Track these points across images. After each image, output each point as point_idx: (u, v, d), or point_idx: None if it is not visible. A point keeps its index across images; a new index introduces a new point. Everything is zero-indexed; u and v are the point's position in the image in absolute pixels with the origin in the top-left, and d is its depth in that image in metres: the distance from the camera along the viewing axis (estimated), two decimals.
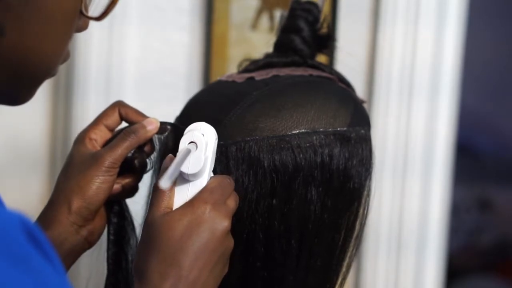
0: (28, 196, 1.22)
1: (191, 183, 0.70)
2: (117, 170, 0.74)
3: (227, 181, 0.71)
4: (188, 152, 0.69)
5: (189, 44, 1.26)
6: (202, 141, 0.71)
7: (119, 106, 0.77)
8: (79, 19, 0.60)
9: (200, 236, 0.66)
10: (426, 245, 1.35)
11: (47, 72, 0.59)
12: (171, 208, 0.69)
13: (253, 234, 0.73)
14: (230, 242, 0.69)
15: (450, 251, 1.51)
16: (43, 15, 0.55)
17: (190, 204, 0.68)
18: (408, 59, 1.31)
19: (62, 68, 1.19)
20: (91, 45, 1.18)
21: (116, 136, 0.76)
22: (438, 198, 1.34)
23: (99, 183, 0.73)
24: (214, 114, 0.76)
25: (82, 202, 0.73)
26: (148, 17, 1.23)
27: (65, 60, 0.61)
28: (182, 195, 0.69)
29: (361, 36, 1.32)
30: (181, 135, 0.74)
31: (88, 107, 1.19)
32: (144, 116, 0.77)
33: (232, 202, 0.70)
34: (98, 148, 0.76)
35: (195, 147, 0.70)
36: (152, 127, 0.76)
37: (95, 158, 0.73)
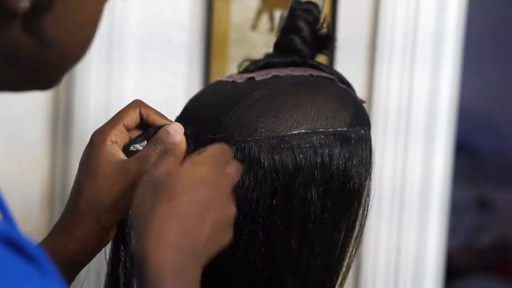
0: (28, 196, 1.22)
1: None
2: None
3: (225, 148, 0.70)
4: None
5: (189, 44, 1.26)
6: None
7: (140, 106, 0.75)
8: None
9: (202, 190, 0.65)
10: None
11: (80, 60, 0.58)
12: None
13: (253, 234, 0.73)
14: (232, 209, 0.68)
15: (449, 251, 1.52)
16: (81, 12, 0.55)
17: (191, 160, 0.68)
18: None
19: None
20: (91, 51, 1.18)
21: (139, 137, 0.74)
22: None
23: (131, 198, 0.70)
24: (214, 115, 0.76)
25: (113, 217, 0.72)
26: (149, 17, 1.23)
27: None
28: None
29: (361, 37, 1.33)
30: (200, 140, 0.74)
31: (88, 110, 1.19)
32: (165, 118, 0.75)
33: (232, 169, 0.69)
34: (120, 152, 0.73)
35: None
36: (179, 137, 0.73)
37: (126, 173, 0.71)
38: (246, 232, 0.73)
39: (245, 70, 0.83)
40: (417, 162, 1.33)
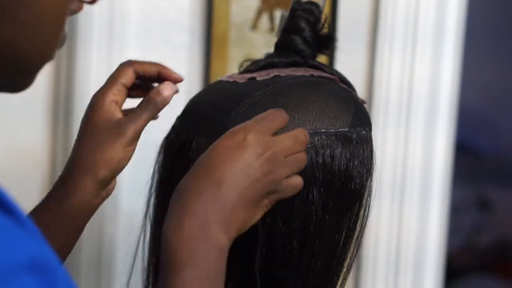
0: (28, 198, 1.22)
1: None
2: (138, 139, 0.76)
3: (278, 114, 0.71)
4: None
5: (189, 44, 1.26)
6: None
7: (133, 64, 0.79)
8: (72, 3, 0.60)
9: (243, 181, 0.67)
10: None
11: (46, 59, 0.59)
12: None
13: (255, 234, 0.73)
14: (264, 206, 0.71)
15: (449, 251, 1.51)
16: (37, 9, 0.55)
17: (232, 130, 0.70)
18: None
19: (61, 79, 1.19)
20: (91, 53, 1.17)
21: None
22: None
23: (125, 154, 0.75)
24: (215, 115, 0.76)
25: (108, 172, 0.76)
26: (148, 17, 1.23)
27: (62, 43, 0.60)
28: None
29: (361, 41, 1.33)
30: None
31: None
32: (160, 66, 0.79)
33: (292, 160, 0.70)
34: (118, 111, 0.77)
35: None
36: (168, 93, 0.77)
37: (120, 131, 0.75)
38: (248, 232, 0.73)
39: (246, 70, 0.83)
40: (417, 158, 1.33)
